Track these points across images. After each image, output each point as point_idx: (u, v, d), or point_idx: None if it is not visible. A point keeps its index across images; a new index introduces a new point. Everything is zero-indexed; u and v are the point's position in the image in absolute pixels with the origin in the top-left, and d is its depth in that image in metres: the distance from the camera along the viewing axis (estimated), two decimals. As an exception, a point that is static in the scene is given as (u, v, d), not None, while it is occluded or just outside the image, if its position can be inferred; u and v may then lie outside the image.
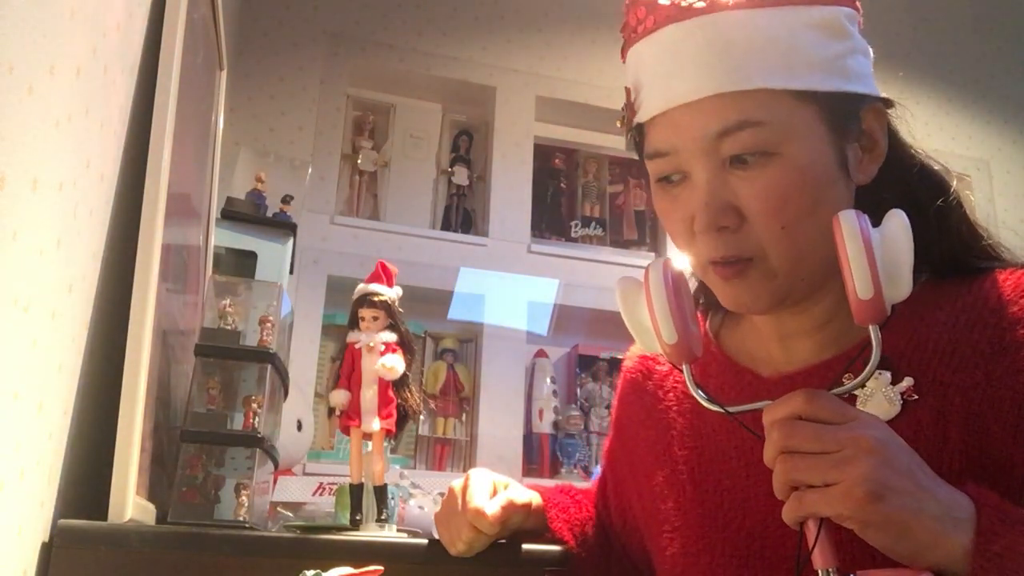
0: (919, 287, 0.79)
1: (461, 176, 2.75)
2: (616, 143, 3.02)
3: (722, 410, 0.72)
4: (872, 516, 0.61)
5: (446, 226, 2.69)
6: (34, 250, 0.66)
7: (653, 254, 2.81)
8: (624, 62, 0.83)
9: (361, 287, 0.97)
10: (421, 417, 0.96)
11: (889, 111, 0.82)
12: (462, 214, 2.72)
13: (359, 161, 2.68)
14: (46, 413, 0.73)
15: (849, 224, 0.66)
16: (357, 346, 0.95)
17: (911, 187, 0.82)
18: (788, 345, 0.85)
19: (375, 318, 0.95)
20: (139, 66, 0.97)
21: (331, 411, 0.95)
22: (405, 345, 0.96)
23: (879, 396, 0.76)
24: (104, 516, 0.80)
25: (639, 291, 0.74)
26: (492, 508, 0.88)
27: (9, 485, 0.66)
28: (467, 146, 2.81)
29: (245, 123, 2.46)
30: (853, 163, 0.79)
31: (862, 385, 0.69)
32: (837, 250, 0.66)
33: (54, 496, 0.79)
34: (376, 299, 0.96)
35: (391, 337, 0.95)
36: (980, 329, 0.76)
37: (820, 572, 0.64)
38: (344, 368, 0.96)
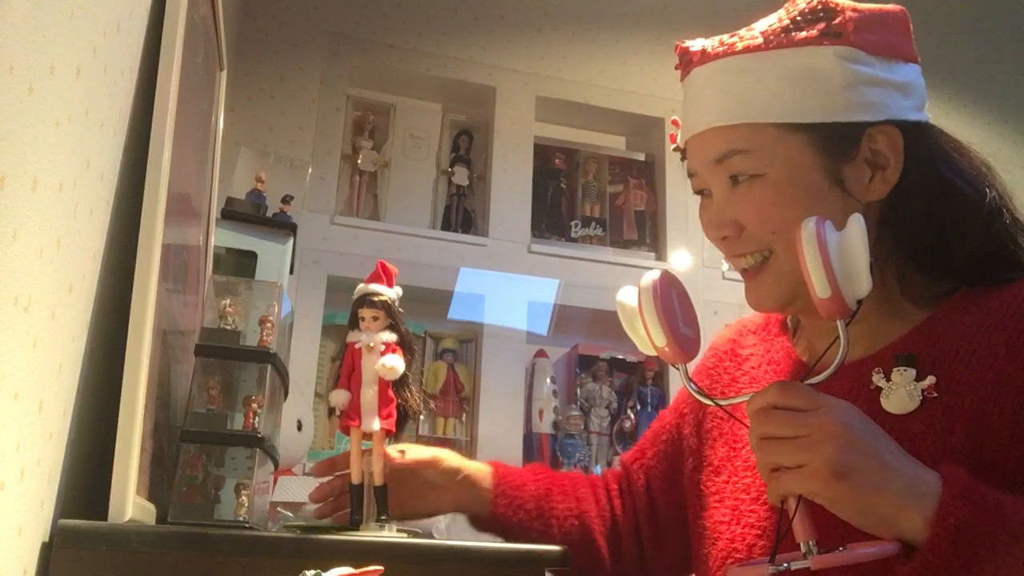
0: (957, 297, 0.88)
1: (461, 176, 2.75)
2: (616, 143, 3.02)
3: (712, 403, 0.84)
4: (837, 493, 0.69)
5: (446, 226, 2.68)
6: (34, 250, 0.66)
7: (653, 254, 2.81)
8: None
9: (361, 287, 0.97)
10: (421, 417, 0.99)
11: (915, 132, 0.90)
12: (462, 214, 2.72)
13: (359, 161, 2.68)
14: (46, 413, 0.73)
15: (807, 231, 0.73)
16: (357, 346, 0.95)
17: (931, 203, 0.89)
18: (825, 344, 0.89)
19: (375, 318, 0.95)
20: (139, 66, 0.97)
21: (331, 411, 0.95)
22: (405, 345, 0.96)
23: (901, 391, 0.83)
24: (104, 516, 0.80)
25: (635, 300, 0.81)
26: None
27: (9, 485, 0.66)
28: (467, 146, 2.81)
29: (245, 123, 2.46)
30: (854, 181, 0.88)
31: (828, 379, 0.75)
32: (798, 255, 0.73)
33: (54, 496, 0.79)
34: (376, 299, 0.96)
35: (391, 337, 0.95)
36: (999, 332, 0.83)
37: (801, 544, 0.71)
38: (344, 368, 0.95)
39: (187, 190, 1.20)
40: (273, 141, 2.48)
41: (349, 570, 0.69)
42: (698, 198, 0.97)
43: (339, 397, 0.94)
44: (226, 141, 1.65)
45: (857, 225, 0.74)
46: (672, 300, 0.79)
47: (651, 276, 0.80)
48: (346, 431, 0.95)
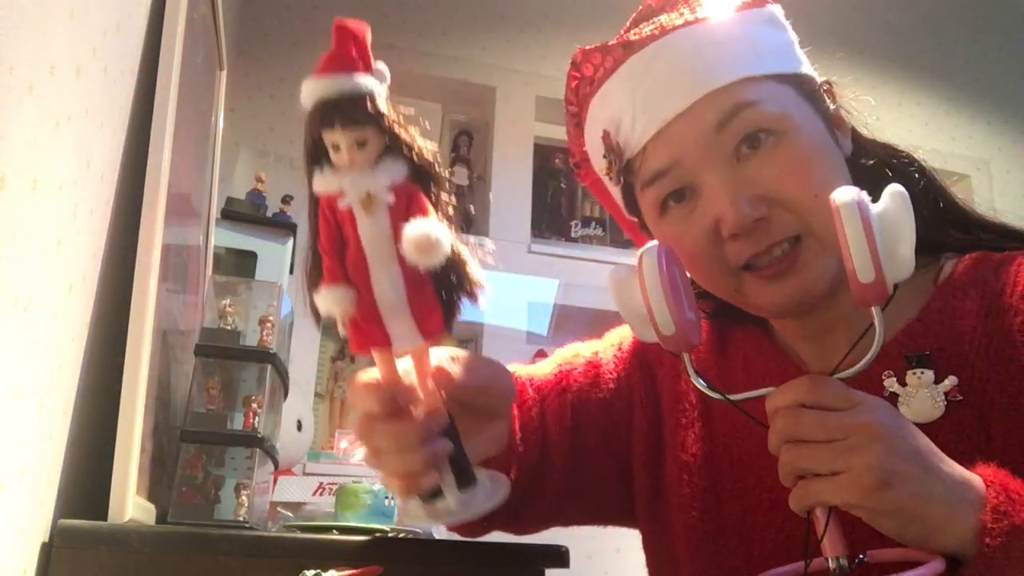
0: (948, 272, 0.80)
1: (461, 176, 2.75)
2: (616, 143, 3.02)
3: (723, 398, 0.69)
4: (881, 504, 0.60)
5: (446, 226, 2.69)
6: (34, 250, 0.66)
7: (653, 254, 2.81)
8: (585, 118, 0.83)
9: (313, 86, 0.55)
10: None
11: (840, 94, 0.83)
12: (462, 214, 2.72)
13: (359, 161, 2.68)
14: (46, 413, 0.73)
15: (847, 202, 0.62)
16: (343, 203, 0.53)
17: (886, 164, 0.83)
18: (823, 344, 0.82)
19: (360, 143, 0.52)
20: (139, 66, 0.97)
21: (317, 317, 0.57)
22: (427, 177, 0.56)
23: (922, 396, 0.74)
24: (104, 516, 0.80)
25: (633, 278, 0.68)
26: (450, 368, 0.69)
27: (9, 485, 0.66)
28: (467, 146, 2.81)
29: (245, 123, 2.46)
30: (839, 138, 0.80)
31: (863, 370, 0.65)
32: (836, 230, 0.62)
33: (54, 496, 0.79)
34: (351, 106, 0.53)
35: (399, 171, 0.54)
36: (1010, 316, 0.74)
37: (830, 560, 0.63)
38: (326, 242, 0.54)
39: (187, 190, 1.20)
40: (273, 141, 2.48)
41: (349, 570, 0.69)
42: None
43: (333, 297, 0.55)
44: (226, 141, 1.65)
45: (902, 198, 0.63)
46: (680, 278, 0.68)
47: (654, 249, 0.66)
48: (364, 351, 0.60)
